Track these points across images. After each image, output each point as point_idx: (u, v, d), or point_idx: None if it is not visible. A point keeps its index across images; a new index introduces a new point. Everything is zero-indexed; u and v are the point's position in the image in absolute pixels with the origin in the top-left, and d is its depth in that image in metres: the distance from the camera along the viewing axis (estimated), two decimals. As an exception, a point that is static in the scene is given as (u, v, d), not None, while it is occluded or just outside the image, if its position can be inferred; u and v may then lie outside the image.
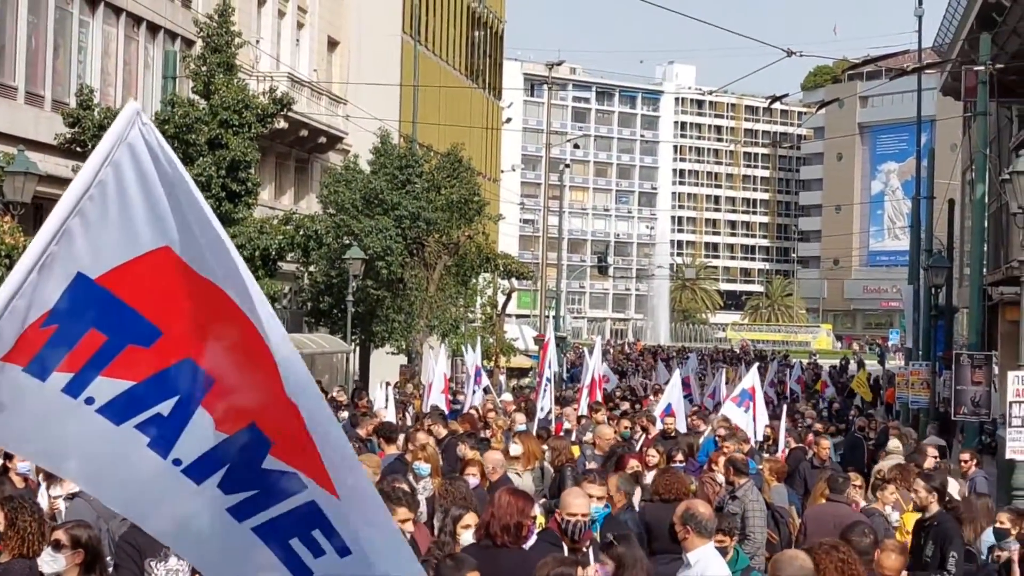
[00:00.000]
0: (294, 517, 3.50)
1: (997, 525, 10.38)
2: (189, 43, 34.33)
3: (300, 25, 44.18)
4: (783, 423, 19.88)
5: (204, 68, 28.32)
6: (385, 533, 3.59)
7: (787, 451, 17.72)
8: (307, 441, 3.43)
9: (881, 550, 8.29)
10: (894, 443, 17.31)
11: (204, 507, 3.49)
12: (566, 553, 7.47)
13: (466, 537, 8.02)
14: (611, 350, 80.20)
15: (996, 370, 28.88)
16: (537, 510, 8.72)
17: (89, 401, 3.37)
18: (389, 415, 19.06)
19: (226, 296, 3.33)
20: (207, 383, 3.39)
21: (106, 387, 3.36)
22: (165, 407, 3.40)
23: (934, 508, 10.58)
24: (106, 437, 3.40)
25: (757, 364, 35.98)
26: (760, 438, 18.48)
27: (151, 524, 3.69)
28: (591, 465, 13.14)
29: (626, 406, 25.41)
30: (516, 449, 13.15)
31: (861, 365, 59.62)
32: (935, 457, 15.94)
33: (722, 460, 12.92)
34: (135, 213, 3.27)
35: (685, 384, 45.42)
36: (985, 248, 36.93)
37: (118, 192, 3.25)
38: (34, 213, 23.27)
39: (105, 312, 3.31)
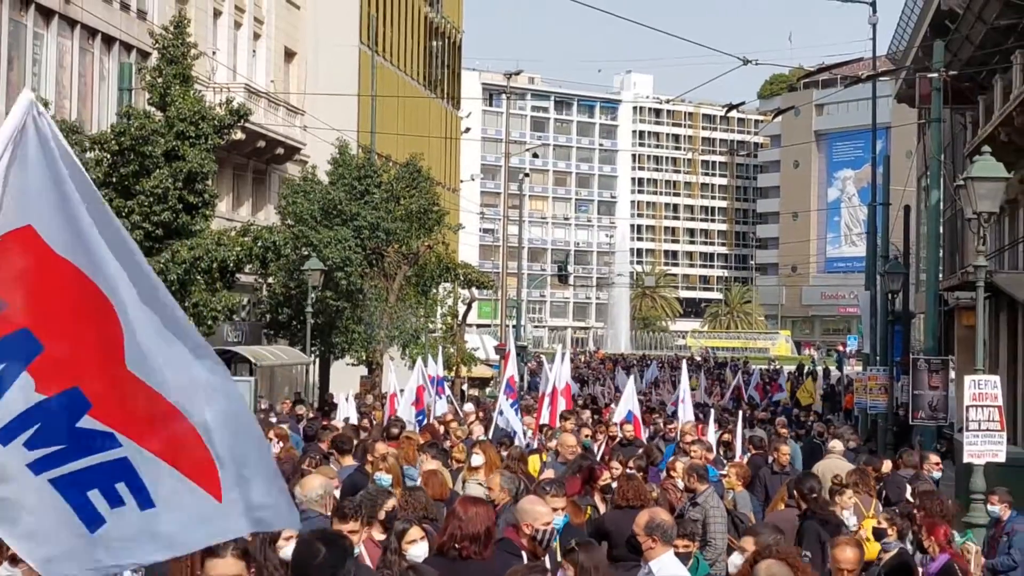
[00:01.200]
0: (99, 470, 3.73)
1: (875, 525, 10.43)
2: (145, 55, 34.14)
3: (256, 36, 44.03)
4: (739, 430, 19.97)
5: (160, 80, 28.13)
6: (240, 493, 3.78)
7: (747, 457, 17.77)
8: (148, 412, 3.69)
9: (834, 545, 8.33)
10: (834, 443, 17.44)
11: (5, 465, 3.68)
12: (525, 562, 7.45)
13: (413, 552, 7.88)
14: (573, 359, 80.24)
15: (953, 375, 29.11)
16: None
17: None
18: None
19: (82, 275, 3.58)
20: (36, 349, 3.62)
21: None
22: None
23: (805, 507, 10.60)
24: None
25: (685, 362, 36.20)
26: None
27: None
28: (549, 472, 13.12)
29: (587, 414, 25.40)
30: (478, 459, 13.08)
31: (813, 375, 60.00)
32: (937, 464, 16.09)
33: (681, 466, 12.93)
34: (7, 195, 3.52)
35: (649, 390, 45.64)
36: (941, 254, 37.23)
37: (2, 177, 3.52)
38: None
39: None
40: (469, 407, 25.96)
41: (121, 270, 3.61)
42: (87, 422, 3.70)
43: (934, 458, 16.29)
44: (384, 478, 11.19)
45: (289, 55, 46.85)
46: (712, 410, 24.89)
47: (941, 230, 35.31)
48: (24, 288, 3.59)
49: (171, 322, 3.71)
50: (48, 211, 3.55)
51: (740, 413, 23.77)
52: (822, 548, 9.92)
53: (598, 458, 15.23)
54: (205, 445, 3.74)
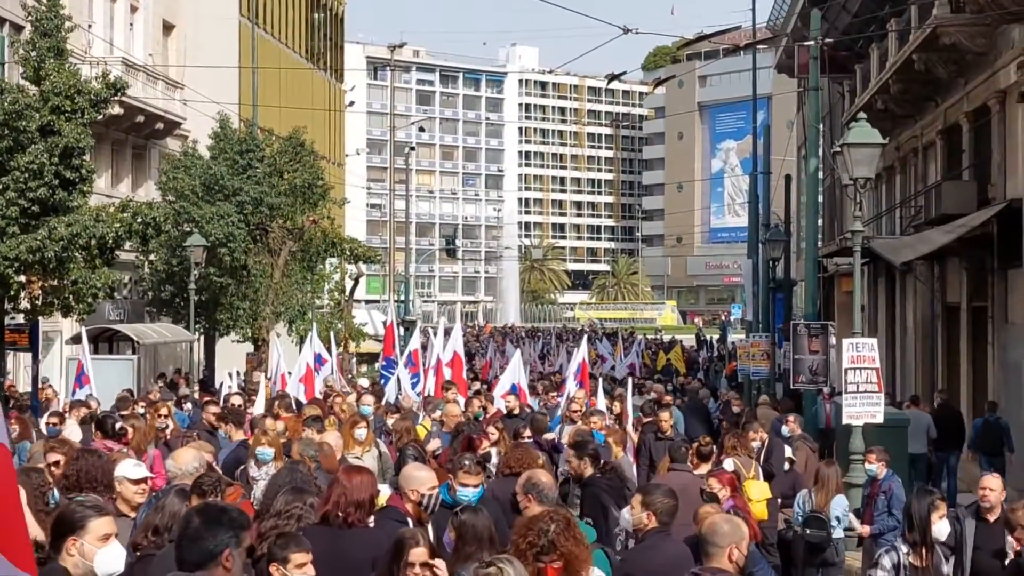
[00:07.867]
0: None
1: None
2: (18, 28, 33.24)
3: (134, 9, 43.13)
4: (629, 398, 20.15)
5: (34, 53, 27.38)
6: None
7: (641, 426, 17.89)
8: None
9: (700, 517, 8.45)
10: (762, 411, 17.62)
11: None
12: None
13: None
14: (463, 332, 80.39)
15: (833, 339, 29.69)
16: (385, 488, 8.70)
17: None
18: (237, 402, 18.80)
19: None
20: None
21: None
22: None
23: (588, 473, 10.73)
24: None
25: (587, 337, 36.35)
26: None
27: None
28: (435, 442, 13.15)
29: (477, 386, 25.44)
30: (362, 433, 13.16)
31: (674, 343, 61.19)
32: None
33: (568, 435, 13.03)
34: None
35: (538, 363, 45.87)
36: (820, 221, 37.89)
37: None
38: None
39: None
40: (365, 382, 25.92)
41: None
42: None
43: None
44: (267, 451, 11.13)
45: (167, 28, 45.98)
46: (600, 380, 25.05)
47: (820, 198, 35.91)
48: None
49: None
50: None
51: (630, 381, 23.96)
52: (604, 512, 10.04)
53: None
54: None
